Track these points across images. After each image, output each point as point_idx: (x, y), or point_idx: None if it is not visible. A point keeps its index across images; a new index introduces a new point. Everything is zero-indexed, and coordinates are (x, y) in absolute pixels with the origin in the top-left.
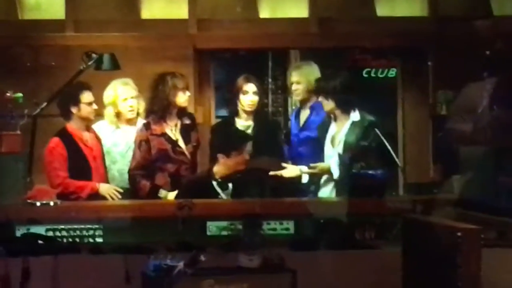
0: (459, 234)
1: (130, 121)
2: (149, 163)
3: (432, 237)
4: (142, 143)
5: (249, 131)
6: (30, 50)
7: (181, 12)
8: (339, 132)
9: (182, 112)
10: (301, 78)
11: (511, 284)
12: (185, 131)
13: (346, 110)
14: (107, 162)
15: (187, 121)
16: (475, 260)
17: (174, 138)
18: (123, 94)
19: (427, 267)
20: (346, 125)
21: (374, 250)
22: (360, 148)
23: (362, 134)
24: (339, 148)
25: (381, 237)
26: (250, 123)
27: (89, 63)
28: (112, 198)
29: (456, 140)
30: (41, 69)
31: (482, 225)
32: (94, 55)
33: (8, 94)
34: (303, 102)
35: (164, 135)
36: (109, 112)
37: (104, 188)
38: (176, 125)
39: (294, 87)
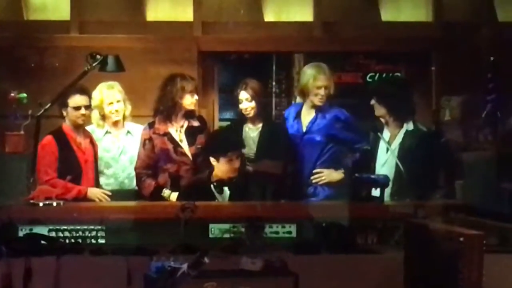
0: (461, 239)
1: (116, 124)
2: (153, 162)
3: (435, 242)
4: (146, 142)
5: (254, 135)
6: (34, 51)
7: (186, 14)
8: (392, 141)
9: (189, 114)
10: (328, 82)
11: None
12: (191, 133)
13: (399, 117)
14: (101, 167)
15: (195, 123)
16: (477, 266)
17: (177, 138)
18: (108, 97)
19: (429, 272)
20: (401, 133)
21: (376, 255)
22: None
23: (417, 144)
24: (394, 155)
25: (383, 241)
26: (255, 127)
27: (94, 65)
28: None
29: (459, 145)
30: (45, 70)
31: (485, 230)
32: (98, 57)
33: (12, 95)
34: (306, 104)
35: (167, 134)
36: (95, 115)
37: (92, 192)
38: (182, 126)
39: (321, 91)
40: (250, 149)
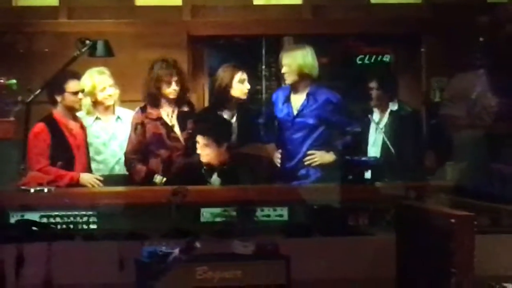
0: (452, 220)
1: (107, 110)
2: (145, 147)
3: (426, 223)
4: (138, 127)
5: (234, 120)
6: (23, 37)
7: None
8: (380, 121)
9: (179, 99)
10: (291, 61)
11: (504, 270)
12: (182, 118)
13: (385, 98)
14: (91, 153)
15: (185, 108)
16: (468, 247)
17: (170, 123)
18: (101, 83)
19: (420, 254)
20: (387, 113)
21: (368, 237)
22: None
23: (402, 124)
24: (380, 136)
25: (374, 223)
26: (236, 112)
27: (83, 50)
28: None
29: (450, 126)
30: (34, 56)
31: (476, 211)
32: (88, 42)
33: (1, 81)
34: (295, 87)
35: (159, 119)
36: (86, 101)
37: (85, 178)
38: (173, 111)
39: (283, 70)
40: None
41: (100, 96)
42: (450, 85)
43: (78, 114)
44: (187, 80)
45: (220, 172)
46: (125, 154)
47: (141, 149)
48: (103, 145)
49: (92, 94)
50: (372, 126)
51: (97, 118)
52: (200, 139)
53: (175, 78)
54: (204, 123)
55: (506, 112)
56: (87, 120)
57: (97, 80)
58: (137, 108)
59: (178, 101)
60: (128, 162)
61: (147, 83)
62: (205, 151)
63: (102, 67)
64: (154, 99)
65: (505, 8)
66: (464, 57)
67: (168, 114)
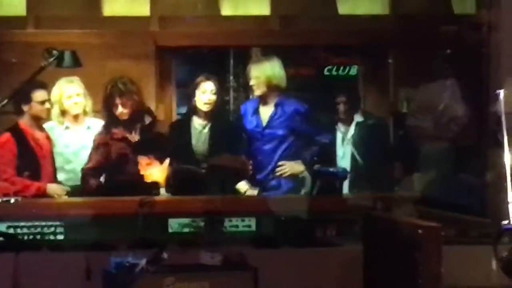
0: (420, 231)
1: (77, 119)
2: (105, 166)
3: (393, 234)
4: (100, 147)
5: (206, 130)
6: None
7: (143, 9)
8: (346, 133)
9: (131, 120)
10: (259, 73)
11: (472, 281)
12: (146, 132)
13: (350, 110)
14: (61, 163)
15: (147, 121)
16: (435, 257)
17: (133, 140)
18: (67, 91)
19: (388, 264)
20: (352, 125)
21: (336, 247)
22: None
23: (368, 134)
24: (349, 148)
25: (342, 234)
26: (207, 122)
27: (50, 60)
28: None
29: (417, 137)
30: (1, 66)
31: (443, 222)
32: (55, 52)
33: None
34: (263, 99)
35: (125, 139)
36: (55, 110)
37: (52, 188)
38: (136, 128)
39: (252, 82)
40: (203, 144)
41: (66, 104)
42: (417, 96)
43: (49, 123)
44: (140, 101)
45: (167, 186)
46: (82, 169)
47: (100, 167)
48: (73, 155)
49: (59, 102)
50: (339, 137)
51: (67, 127)
52: (141, 159)
53: (120, 101)
54: (143, 143)
55: (471, 122)
56: (57, 130)
57: (64, 88)
58: (101, 127)
59: (129, 122)
60: (83, 177)
61: (102, 102)
62: (148, 171)
63: (73, 77)
64: (107, 118)
65: (469, 19)
66: (431, 68)
67: (132, 131)
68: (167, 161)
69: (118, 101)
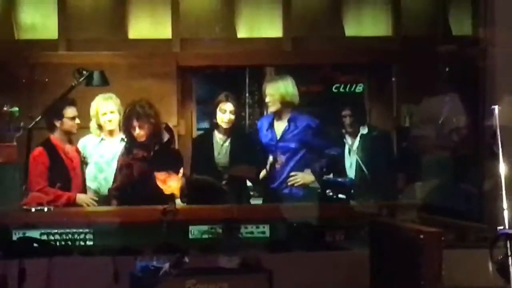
0: (421, 236)
1: (111, 133)
2: (128, 184)
3: (397, 239)
4: (123, 169)
5: (226, 144)
6: (25, 68)
7: (165, 32)
8: (353, 145)
9: (148, 142)
10: (274, 90)
11: (470, 282)
12: (162, 150)
13: (356, 123)
14: (94, 172)
15: (164, 139)
16: (436, 261)
17: (151, 159)
18: (102, 108)
19: (392, 266)
20: (358, 137)
21: (343, 251)
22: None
23: (372, 146)
24: (355, 158)
25: (350, 239)
26: (227, 137)
27: (80, 80)
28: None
29: (419, 149)
30: (36, 85)
31: (444, 228)
32: (85, 72)
33: (5, 109)
34: (277, 114)
35: (144, 158)
36: (92, 124)
37: (81, 198)
38: (154, 148)
39: (267, 99)
40: (224, 157)
41: (101, 120)
42: (418, 110)
43: (88, 136)
44: (157, 123)
45: (183, 196)
46: (109, 189)
47: (124, 188)
48: (106, 164)
49: (96, 117)
50: (347, 148)
51: (102, 139)
52: (158, 175)
53: (138, 123)
54: (160, 160)
55: (469, 135)
56: (93, 141)
57: (100, 105)
58: (123, 149)
59: (147, 142)
60: (110, 196)
61: (122, 125)
62: (165, 185)
63: (110, 93)
64: (127, 139)
65: (466, 40)
66: (431, 85)
67: (151, 151)
68: (181, 174)
69: (135, 123)
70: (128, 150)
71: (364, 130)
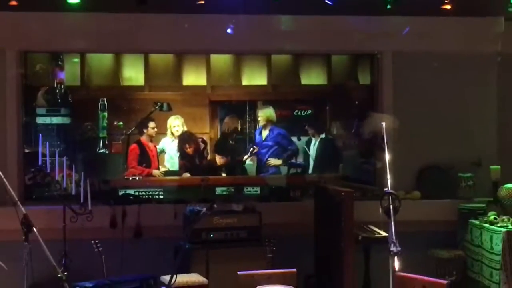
0: (342, 194)
1: (177, 137)
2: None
3: (329, 196)
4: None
5: (233, 143)
6: (126, 101)
7: (203, 80)
8: (314, 145)
9: (196, 149)
10: (262, 114)
11: (369, 219)
12: (201, 154)
13: (317, 132)
14: (167, 157)
15: (202, 147)
16: (350, 208)
17: (195, 161)
18: (173, 123)
19: (326, 212)
20: (317, 140)
21: (299, 202)
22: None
23: (324, 145)
24: (314, 152)
25: (303, 195)
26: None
27: (156, 108)
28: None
29: (344, 146)
30: (131, 111)
31: (355, 189)
32: (158, 103)
33: (115, 123)
34: (264, 127)
35: (193, 161)
36: (168, 132)
37: (155, 172)
38: (197, 154)
39: (259, 118)
40: (233, 148)
41: (173, 130)
42: (342, 125)
43: (166, 138)
44: (197, 143)
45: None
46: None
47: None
48: (174, 154)
49: (170, 127)
50: (311, 146)
51: (172, 140)
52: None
53: (188, 145)
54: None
55: (370, 139)
56: (168, 140)
57: (171, 121)
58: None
59: (193, 154)
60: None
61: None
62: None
63: (178, 115)
64: (182, 153)
65: (367, 86)
66: (349, 111)
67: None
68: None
69: (186, 145)
70: (183, 152)
71: (322, 136)
